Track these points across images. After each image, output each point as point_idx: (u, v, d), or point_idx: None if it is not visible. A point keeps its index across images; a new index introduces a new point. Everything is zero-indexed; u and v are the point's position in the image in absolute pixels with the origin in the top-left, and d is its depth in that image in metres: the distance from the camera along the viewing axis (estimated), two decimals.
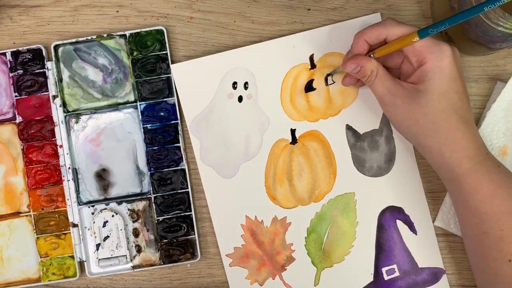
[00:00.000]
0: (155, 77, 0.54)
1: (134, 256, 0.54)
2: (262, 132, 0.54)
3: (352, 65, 0.48)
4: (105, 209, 0.54)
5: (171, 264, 0.54)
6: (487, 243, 0.46)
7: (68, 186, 0.54)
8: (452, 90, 0.45)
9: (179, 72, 0.54)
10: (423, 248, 0.54)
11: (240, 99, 0.54)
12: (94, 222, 0.54)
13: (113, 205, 0.54)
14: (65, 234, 0.54)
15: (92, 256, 0.54)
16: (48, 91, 0.54)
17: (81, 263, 0.54)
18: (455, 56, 0.46)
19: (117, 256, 0.54)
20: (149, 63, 0.54)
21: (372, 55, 0.48)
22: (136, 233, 0.54)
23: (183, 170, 0.54)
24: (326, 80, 0.54)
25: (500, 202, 0.45)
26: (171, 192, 0.54)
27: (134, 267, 0.54)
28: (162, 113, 0.54)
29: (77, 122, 0.55)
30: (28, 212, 0.54)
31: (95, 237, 0.54)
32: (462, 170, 0.46)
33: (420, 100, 0.45)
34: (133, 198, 0.54)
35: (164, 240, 0.54)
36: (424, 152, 0.48)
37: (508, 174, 0.47)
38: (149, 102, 0.54)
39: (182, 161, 0.54)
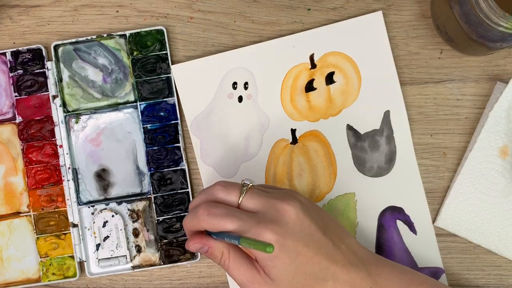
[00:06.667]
0: (155, 77, 0.54)
1: (134, 256, 0.54)
2: (262, 132, 0.54)
3: (196, 245, 0.44)
4: (105, 209, 0.54)
5: (171, 264, 0.54)
6: None
7: (68, 186, 0.54)
8: (301, 264, 0.43)
9: (179, 72, 0.54)
10: (422, 248, 0.54)
11: (240, 99, 0.54)
12: (94, 222, 0.54)
13: (113, 205, 0.54)
14: (65, 234, 0.54)
15: (92, 256, 0.54)
16: (48, 91, 0.54)
17: (81, 263, 0.54)
18: (286, 228, 0.42)
19: (117, 256, 0.54)
20: (149, 63, 0.54)
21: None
22: (136, 233, 0.54)
23: (183, 170, 0.54)
24: (326, 79, 0.54)
25: None
26: (171, 192, 0.54)
27: (134, 267, 0.54)
28: (162, 113, 0.54)
29: (77, 122, 0.55)
30: (28, 212, 0.54)
31: (95, 237, 0.54)
32: None
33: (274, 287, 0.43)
34: (133, 198, 0.54)
35: (164, 240, 0.54)
36: None
37: None
38: (149, 102, 0.54)
39: (182, 161, 0.54)
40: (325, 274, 0.43)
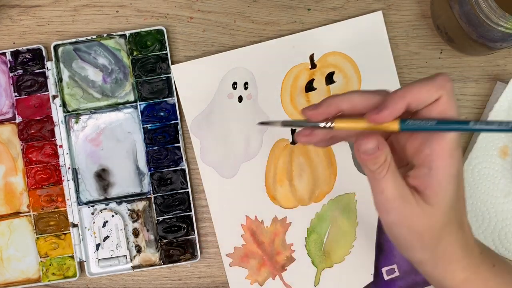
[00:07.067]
0: (155, 77, 0.54)
1: (134, 256, 0.54)
2: (262, 132, 0.54)
3: (373, 141, 0.35)
4: (105, 209, 0.54)
5: (171, 264, 0.54)
6: None
7: (68, 186, 0.54)
8: (459, 200, 0.37)
9: (179, 72, 0.54)
10: None
11: (240, 99, 0.54)
12: (94, 222, 0.54)
13: (113, 205, 0.54)
14: (65, 234, 0.54)
15: (92, 256, 0.54)
16: (48, 91, 0.54)
17: (81, 263, 0.54)
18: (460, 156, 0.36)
19: (117, 256, 0.54)
20: (149, 63, 0.54)
21: (330, 125, 0.37)
22: (136, 233, 0.54)
23: (183, 170, 0.54)
24: (326, 79, 0.54)
25: None
26: (171, 192, 0.54)
27: (134, 267, 0.54)
28: (162, 113, 0.54)
29: (77, 122, 0.55)
30: (28, 212, 0.54)
31: (95, 237, 0.54)
32: (455, 282, 0.39)
33: (429, 213, 0.37)
34: (133, 198, 0.54)
35: (164, 240, 0.54)
36: (417, 263, 0.41)
37: (504, 272, 0.41)
38: (149, 102, 0.54)
39: (182, 161, 0.54)
40: (461, 219, 0.38)
